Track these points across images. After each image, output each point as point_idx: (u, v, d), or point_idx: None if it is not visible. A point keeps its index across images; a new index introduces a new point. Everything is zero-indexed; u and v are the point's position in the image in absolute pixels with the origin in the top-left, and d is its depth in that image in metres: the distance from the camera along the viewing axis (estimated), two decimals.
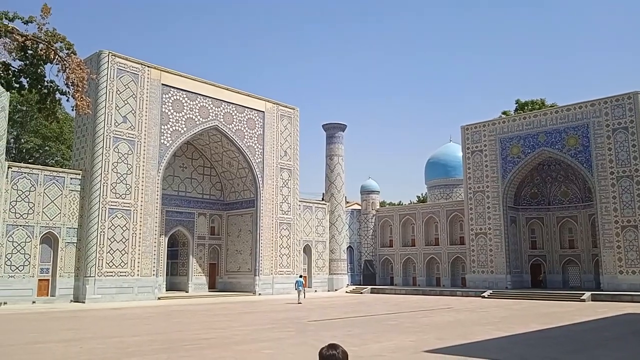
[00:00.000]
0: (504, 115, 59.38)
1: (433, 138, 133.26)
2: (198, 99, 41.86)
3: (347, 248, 55.69)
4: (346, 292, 50.65)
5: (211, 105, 42.69)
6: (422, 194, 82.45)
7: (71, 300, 34.13)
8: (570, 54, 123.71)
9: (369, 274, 56.43)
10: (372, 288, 50.87)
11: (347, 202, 58.95)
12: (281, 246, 46.86)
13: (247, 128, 45.22)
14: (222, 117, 43.34)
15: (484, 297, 41.44)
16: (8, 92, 28.32)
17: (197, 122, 41.64)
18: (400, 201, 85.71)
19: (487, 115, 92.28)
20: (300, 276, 40.26)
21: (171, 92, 40.19)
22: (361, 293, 49.16)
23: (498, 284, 45.26)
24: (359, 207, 59.89)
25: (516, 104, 65.58)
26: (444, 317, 25.13)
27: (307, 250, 51.18)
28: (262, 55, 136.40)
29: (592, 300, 37.05)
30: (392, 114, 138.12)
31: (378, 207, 59.55)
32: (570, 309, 30.19)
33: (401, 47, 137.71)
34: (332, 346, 4.44)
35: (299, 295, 36.36)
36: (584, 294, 38.23)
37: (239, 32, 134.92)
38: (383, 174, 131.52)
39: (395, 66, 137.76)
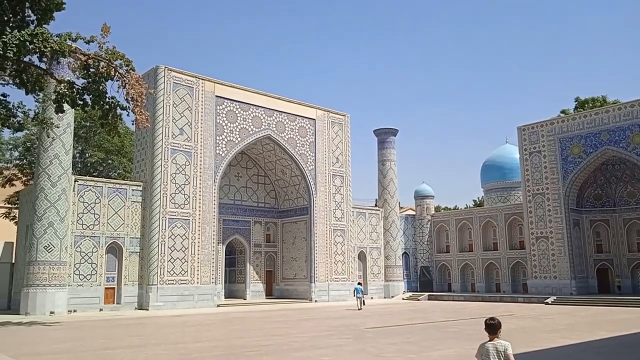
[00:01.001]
0: (563, 114, 57.19)
1: (488, 140, 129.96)
2: (251, 109, 42.64)
3: (403, 254, 55.05)
4: (403, 299, 50.03)
5: (264, 115, 43.38)
6: (478, 198, 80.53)
7: (135, 308, 35.35)
8: (632, 48, 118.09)
9: (425, 281, 55.53)
10: (429, 295, 50.03)
11: (401, 208, 58.36)
12: (336, 253, 46.87)
13: (299, 136, 45.65)
14: (274, 126, 43.96)
15: (547, 303, 39.93)
16: (73, 109, 29.78)
17: (251, 132, 42.40)
18: (455, 205, 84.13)
19: (545, 115, 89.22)
20: (359, 283, 40.10)
21: (225, 104, 41.13)
22: (418, 300, 48.43)
23: (562, 290, 43.50)
24: (413, 213, 59.11)
25: (576, 102, 63.05)
26: (505, 325, 24.25)
27: (361, 256, 50.96)
28: (312, 64, 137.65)
29: None
30: (445, 116, 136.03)
31: (433, 212, 58.61)
32: None
33: (453, 47, 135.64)
34: (492, 318, 7.01)
35: (357, 303, 36.16)
36: None
37: (288, 42, 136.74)
38: (437, 178, 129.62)
39: (448, 67, 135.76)
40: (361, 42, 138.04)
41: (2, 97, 23.11)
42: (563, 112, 60.97)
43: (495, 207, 55.06)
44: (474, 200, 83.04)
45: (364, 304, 36.56)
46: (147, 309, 34.63)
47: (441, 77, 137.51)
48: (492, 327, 6.85)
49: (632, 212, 45.69)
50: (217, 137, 40.23)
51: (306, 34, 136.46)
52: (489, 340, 6.88)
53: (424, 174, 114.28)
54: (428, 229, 56.87)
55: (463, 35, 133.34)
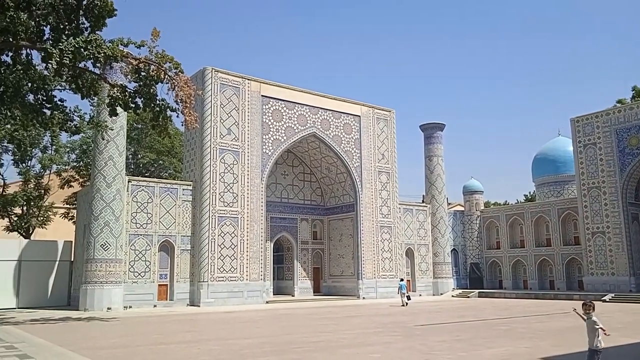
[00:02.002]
0: (619, 104, 54.75)
1: (539, 133, 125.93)
2: (296, 108, 42.93)
3: (452, 251, 54.19)
4: (452, 296, 49.27)
5: (309, 113, 43.59)
6: (529, 193, 78.37)
7: (187, 304, 36.28)
8: None
9: (475, 278, 54.49)
10: (479, 292, 49.08)
11: (449, 204, 57.43)
12: (383, 250, 46.63)
13: (344, 133, 45.62)
14: (319, 123, 44.09)
15: (604, 301, 38.41)
16: (125, 112, 30.80)
17: (296, 130, 42.69)
18: (506, 201, 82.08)
19: (600, 106, 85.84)
20: (402, 280, 40.04)
21: (271, 103, 41.57)
22: (468, 297, 47.58)
23: (620, 287, 41.76)
24: (462, 209, 58.05)
25: (633, 90, 60.23)
26: (560, 323, 23.64)
27: (409, 253, 50.49)
28: (356, 60, 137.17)
29: None
30: (494, 109, 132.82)
31: (482, 207, 57.40)
32: None
33: (502, 38, 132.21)
34: (587, 299, 10.82)
35: (402, 299, 36.31)
36: None
37: (333, 39, 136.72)
38: (486, 173, 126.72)
39: (497, 59, 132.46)
40: (406, 35, 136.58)
41: (59, 102, 24.12)
42: (619, 101, 58.41)
43: (547, 201, 53.38)
44: (525, 195, 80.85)
45: (409, 300, 36.58)
46: (199, 305, 35.48)
47: (490, 68, 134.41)
48: (586, 306, 10.43)
49: None
50: (264, 136, 40.73)
51: (350, 31, 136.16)
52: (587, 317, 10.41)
53: (472, 169, 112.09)
54: (477, 225, 55.75)
55: (512, 25, 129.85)
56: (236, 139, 39.20)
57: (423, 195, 55.17)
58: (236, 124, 39.37)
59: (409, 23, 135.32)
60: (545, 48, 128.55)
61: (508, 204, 73.28)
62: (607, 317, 25.68)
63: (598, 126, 45.06)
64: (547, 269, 50.76)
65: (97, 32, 21.77)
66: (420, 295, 49.21)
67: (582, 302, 10.52)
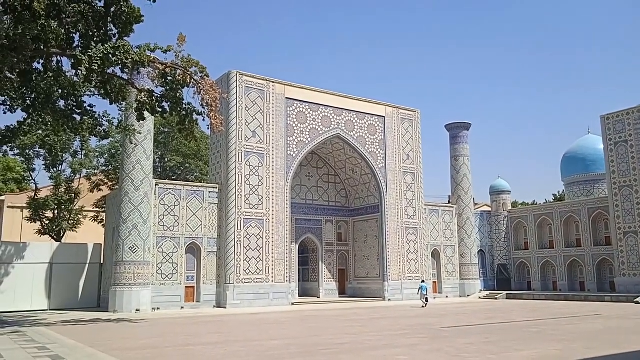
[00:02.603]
0: None
1: (568, 131, 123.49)
2: (320, 110, 42.99)
3: (479, 252, 53.52)
4: (479, 297, 48.67)
5: (333, 115, 43.61)
6: (558, 192, 76.96)
7: (214, 306, 36.62)
8: None
9: (503, 279, 53.70)
10: (507, 293, 48.36)
11: (476, 204, 56.70)
12: (408, 251, 46.34)
13: (368, 134, 45.50)
14: (343, 125, 44.07)
15: (637, 302, 37.49)
16: (153, 117, 31.26)
17: (320, 132, 42.75)
18: (534, 201, 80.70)
19: (631, 102, 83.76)
20: (423, 281, 40.66)
21: (295, 105, 41.72)
22: (496, 299, 46.93)
23: None
24: (489, 209, 57.30)
25: None
26: (592, 325, 23.13)
27: (435, 255, 50.05)
28: (381, 60, 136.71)
29: None
30: (522, 107, 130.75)
31: (510, 207, 56.55)
32: None
33: (530, 34, 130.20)
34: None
35: (422, 300, 37.25)
36: None
37: (356, 41, 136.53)
38: (513, 173, 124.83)
39: (524, 55, 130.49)
40: (431, 34, 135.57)
41: (89, 108, 24.62)
42: None
43: (577, 201, 52.32)
44: (554, 195, 79.44)
45: (426, 302, 37.29)
46: (225, 307, 35.77)
47: (517, 66, 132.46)
48: None
49: None
50: (288, 138, 40.90)
51: (374, 31, 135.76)
52: None
53: (499, 169, 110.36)
54: (505, 225, 54.95)
55: (540, 22, 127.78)
56: (261, 141, 39.45)
57: (449, 196, 54.64)
58: (261, 126, 39.62)
59: (434, 23, 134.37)
60: (574, 46, 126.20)
61: (536, 204, 72.03)
62: None
63: (629, 123, 44.02)
64: (577, 270, 49.73)
65: (124, 39, 22.16)
66: (447, 297, 48.75)
67: None
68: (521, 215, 54.71)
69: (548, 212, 52.56)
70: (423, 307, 36.20)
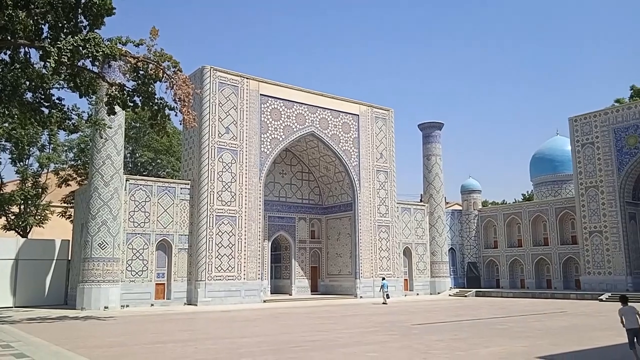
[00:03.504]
0: (617, 104, 54.87)
1: (537, 132, 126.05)
2: (294, 107, 42.92)
3: (449, 250, 54.26)
4: (449, 295, 49.36)
5: (307, 112, 43.58)
6: (527, 192, 78.46)
7: (184, 303, 36.27)
8: None
9: (473, 277, 54.56)
10: (476, 291, 49.18)
11: (447, 203, 57.46)
12: (380, 249, 46.68)
13: (342, 132, 45.63)
14: (317, 122, 44.09)
15: (601, 300, 38.54)
16: (124, 111, 30.74)
17: (295, 129, 42.68)
18: (503, 200, 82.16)
19: (598, 105, 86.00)
20: (383, 278, 41.29)
21: (269, 102, 41.56)
22: (465, 296, 47.66)
23: (617, 286, 41.85)
24: (460, 208, 58.12)
25: (631, 90, 60.32)
26: (557, 322, 23.70)
27: (407, 252, 50.54)
28: (355, 59, 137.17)
29: None
30: (493, 108, 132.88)
31: (480, 206, 57.46)
32: None
33: (501, 37, 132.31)
34: (622, 295, 13.65)
35: (383, 297, 37.98)
36: None
37: (331, 39, 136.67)
38: (484, 173, 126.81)
39: (496, 58, 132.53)
40: (405, 35, 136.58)
41: (57, 101, 24.08)
42: (617, 101, 58.52)
43: (545, 201, 53.47)
44: (523, 195, 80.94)
45: (388, 299, 38.05)
46: (196, 305, 35.47)
47: (489, 68, 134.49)
48: (624, 298, 13.25)
49: None
50: (262, 135, 40.72)
51: (348, 30, 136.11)
52: (624, 306, 12.89)
53: (470, 168, 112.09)
54: (475, 224, 55.83)
55: (511, 25, 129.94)
56: (234, 137, 39.19)
57: (421, 195, 55.25)
58: (234, 122, 39.35)
59: (408, 22, 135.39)
60: (544, 48, 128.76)
61: (506, 203, 73.37)
62: (604, 317, 25.81)
63: (596, 125, 45.16)
64: (544, 268, 50.86)
65: (95, 31, 21.71)
66: (417, 294, 49.31)
67: (620, 296, 13.73)
68: (491, 214, 55.65)
69: (517, 211, 53.59)
70: (384, 303, 36.89)
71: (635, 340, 12.70)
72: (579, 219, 45.65)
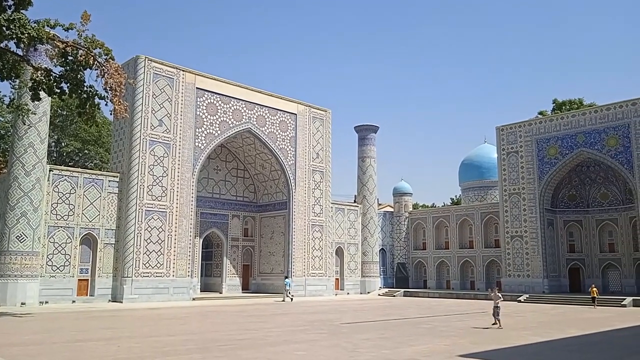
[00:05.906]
0: (540, 116, 58.12)
1: (467, 139, 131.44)
2: (232, 102, 42.37)
3: (380, 251, 55.41)
4: (379, 295, 50.40)
5: (244, 109, 43.14)
6: (456, 196, 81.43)
7: (109, 300, 34.95)
8: (610, 52, 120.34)
9: (401, 277, 56.02)
10: (404, 291, 50.50)
11: (380, 204, 58.66)
12: (313, 248, 46.97)
13: (279, 130, 45.53)
14: (255, 119, 43.76)
15: (520, 301, 40.63)
16: (49, 97, 29.22)
17: (231, 125, 42.14)
18: (433, 203, 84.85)
19: (523, 116, 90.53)
20: (286, 277, 42.59)
21: (205, 96, 40.79)
22: (394, 296, 48.83)
23: (535, 288, 44.30)
24: (392, 210, 59.53)
25: (553, 103, 64.15)
26: (479, 321, 24.74)
27: (339, 252, 51.16)
28: (294, 59, 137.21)
29: (633, 306, 35.91)
30: (426, 115, 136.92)
31: (411, 209, 59.09)
32: (611, 315, 29.33)
33: (435, 46, 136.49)
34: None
35: (285, 295, 39.28)
36: (624, 299, 37.13)
37: (271, 36, 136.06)
38: (416, 176, 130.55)
39: (430, 66, 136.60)
40: (344, 38, 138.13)
41: None
42: (541, 113, 61.98)
43: (472, 205, 55.73)
44: (452, 199, 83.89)
45: (289, 296, 39.37)
46: (121, 302, 34.27)
47: (423, 75, 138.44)
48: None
49: (604, 213, 46.71)
50: (197, 130, 39.91)
51: (289, 29, 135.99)
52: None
53: (403, 172, 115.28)
54: (405, 226, 57.31)
55: (445, 35, 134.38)
56: (168, 131, 38.17)
57: (355, 196, 56.08)
58: (168, 115, 38.34)
59: (348, 26, 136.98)
60: (476, 58, 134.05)
61: (435, 207, 75.82)
62: (521, 317, 27.22)
63: (521, 135, 47.53)
64: (469, 270, 52.97)
65: (21, 11, 20.52)
66: (348, 293, 50.01)
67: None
68: (421, 217, 57.34)
69: (445, 214, 55.51)
70: (283, 301, 38.27)
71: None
72: (502, 223, 47.89)
